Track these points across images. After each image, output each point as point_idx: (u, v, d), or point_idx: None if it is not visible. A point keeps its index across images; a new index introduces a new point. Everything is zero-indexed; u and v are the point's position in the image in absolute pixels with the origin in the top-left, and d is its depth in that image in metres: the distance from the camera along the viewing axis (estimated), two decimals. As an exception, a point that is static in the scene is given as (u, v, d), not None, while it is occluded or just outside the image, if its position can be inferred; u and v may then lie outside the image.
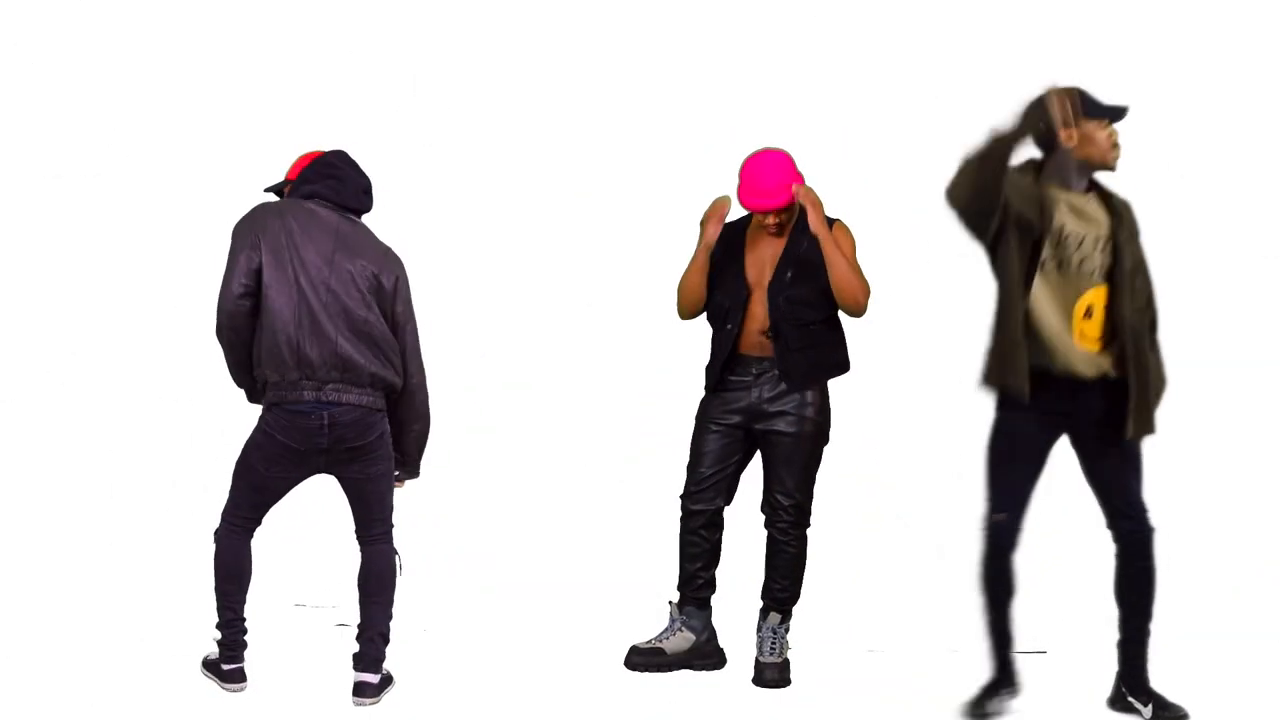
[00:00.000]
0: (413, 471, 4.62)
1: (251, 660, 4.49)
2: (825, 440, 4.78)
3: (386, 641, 4.44)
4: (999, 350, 4.18)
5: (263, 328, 4.24)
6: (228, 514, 4.44)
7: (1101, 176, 4.28)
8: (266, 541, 4.57)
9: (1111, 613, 4.35)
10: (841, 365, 4.80)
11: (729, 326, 4.72)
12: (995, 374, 4.19)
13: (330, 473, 4.42)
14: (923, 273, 5.86)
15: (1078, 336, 4.19)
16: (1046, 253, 4.15)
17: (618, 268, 6.04)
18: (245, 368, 4.34)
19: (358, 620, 4.44)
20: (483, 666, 4.86)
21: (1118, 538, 4.33)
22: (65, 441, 6.07)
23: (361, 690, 4.37)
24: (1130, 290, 4.20)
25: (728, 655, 4.89)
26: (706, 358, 4.82)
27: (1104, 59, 5.51)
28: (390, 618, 4.46)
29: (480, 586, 5.64)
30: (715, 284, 4.76)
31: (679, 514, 4.82)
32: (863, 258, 4.75)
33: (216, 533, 4.44)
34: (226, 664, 4.46)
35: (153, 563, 5.78)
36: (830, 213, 4.74)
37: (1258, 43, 5.86)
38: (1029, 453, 4.27)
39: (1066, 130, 4.08)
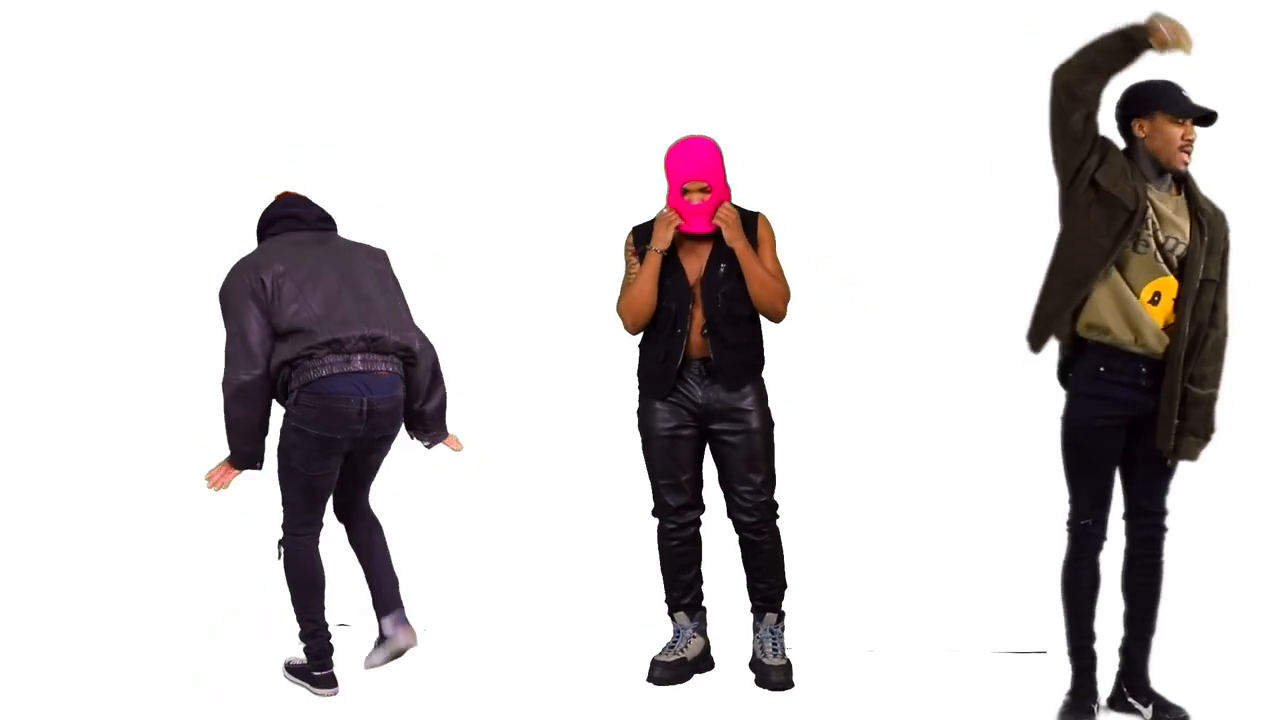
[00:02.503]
0: (443, 433, 4.70)
1: (251, 661, 4.51)
2: (774, 427, 4.74)
3: (397, 583, 4.61)
4: (1053, 303, 4.17)
5: (279, 335, 4.27)
6: (288, 525, 4.44)
7: (1196, 184, 4.26)
8: (265, 540, 4.58)
9: (1112, 613, 4.36)
10: (761, 364, 4.77)
11: (679, 330, 4.67)
12: (1044, 324, 4.18)
13: (350, 456, 4.43)
14: (923, 264, 5.85)
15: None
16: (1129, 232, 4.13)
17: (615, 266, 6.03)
18: (258, 431, 4.33)
19: (370, 581, 4.57)
20: (483, 667, 4.86)
21: (1130, 532, 4.34)
22: (64, 441, 6.08)
23: (399, 627, 4.55)
24: (1194, 300, 4.17)
25: (726, 655, 4.88)
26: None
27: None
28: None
29: (480, 587, 5.63)
30: (660, 291, 4.70)
31: (661, 529, 4.79)
32: (857, 253, 4.73)
33: (280, 544, 4.45)
34: (318, 671, 4.47)
35: (152, 563, 5.78)
36: (756, 206, 4.74)
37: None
38: (1108, 449, 4.24)
39: (1159, 37, 3.96)
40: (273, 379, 4.30)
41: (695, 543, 4.82)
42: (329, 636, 4.48)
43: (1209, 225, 4.23)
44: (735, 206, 4.70)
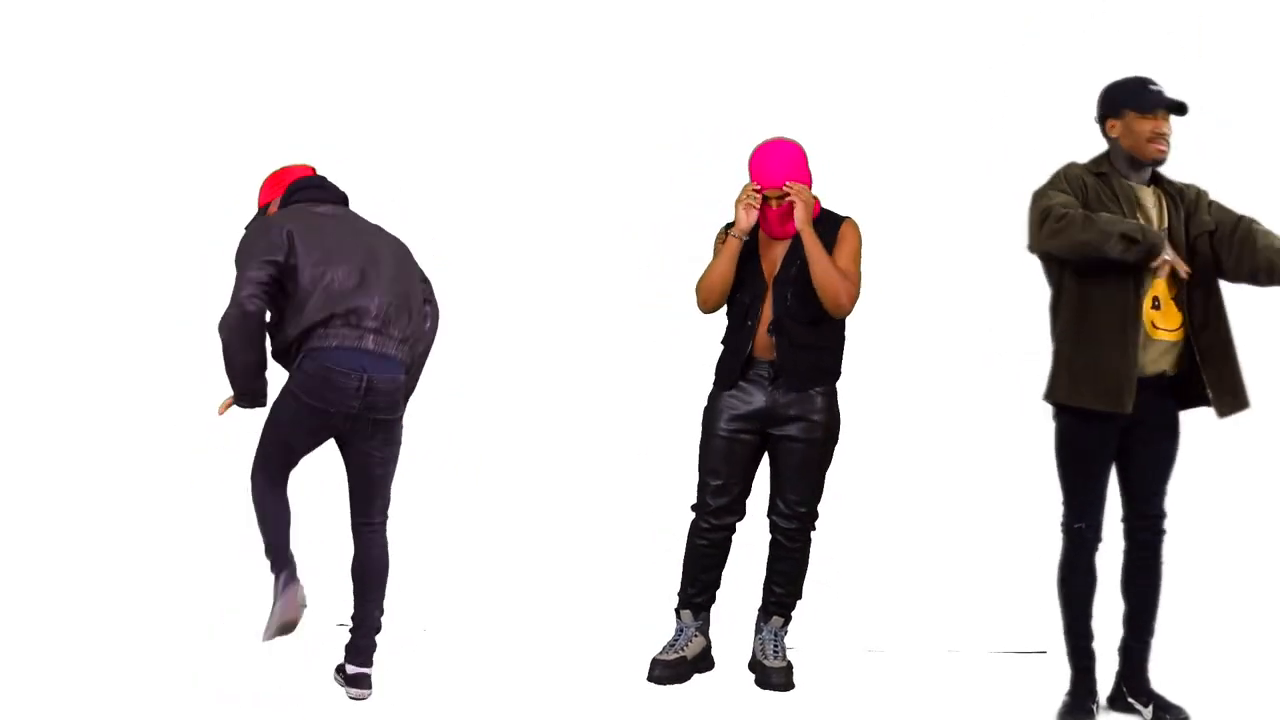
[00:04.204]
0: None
1: (249, 661, 4.50)
2: (836, 443, 4.74)
3: (378, 631, 4.46)
4: (1102, 366, 4.13)
5: (299, 301, 4.23)
6: (260, 466, 4.39)
7: (1165, 169, 4.26)
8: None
9: (1111, 614, 4.36)
10: (836, 371, 4.74)
11: (749, 323, 4.66)
12: (1106, 395, 4.12)
13: (346, 441, 4.38)
14: (924, 268, 5.85)
15: (1150, 329, 4.16)
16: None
17: (624, 264, 6.03)
18: (256, 369, 4.30)
19: (351, 612, 4.44)
20: (483, 666, 4.86)
21: (1128, 535, 4.35)
22: (65, 442, 6.08)
23: (359, 681, 4.39)
24: (1190, 254, 4.16)
25: (725, 656, 4.87)
26: (713, 355, 4.78)
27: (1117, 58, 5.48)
28: (383, 611, 4.47)
29: (480, 586, 5.64)
30: (736, 281, 4.70)
31: (694, 525, 4.75)
32: (870, 255, 4.73)
33: (253, 480, 4.39)
34: (283, 576, 4.37)
35: (154, 563, 5.78)
36: (844, 210, 4.73)
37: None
38: (1102, 455, 4.24)
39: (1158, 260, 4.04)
40: (286, 346, 4.28)
41: (723, 547, 4.77)
42: (290, 552, 4.40)
43: (1181, 195, 4.23)
44: (825, 210, 4.70)
